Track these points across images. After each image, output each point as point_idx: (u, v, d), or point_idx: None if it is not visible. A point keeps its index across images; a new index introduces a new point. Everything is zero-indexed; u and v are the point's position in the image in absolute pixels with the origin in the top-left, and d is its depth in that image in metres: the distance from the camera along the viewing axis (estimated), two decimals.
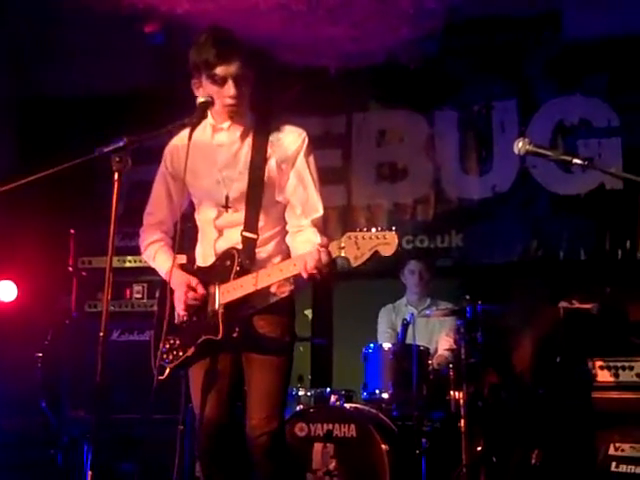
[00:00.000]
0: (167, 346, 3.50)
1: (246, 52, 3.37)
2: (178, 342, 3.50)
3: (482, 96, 6.77)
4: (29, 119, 7.48)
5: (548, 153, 3.06)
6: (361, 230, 3.11)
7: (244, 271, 3.37)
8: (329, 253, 3.12)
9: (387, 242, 3.07)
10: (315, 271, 3.12)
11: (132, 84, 7.14)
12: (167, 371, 3.50)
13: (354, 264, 3.10)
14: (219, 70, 3.31)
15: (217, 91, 3.36)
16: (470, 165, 6.76)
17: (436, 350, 5.84)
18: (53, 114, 7.42)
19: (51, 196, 5.86)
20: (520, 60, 6.66)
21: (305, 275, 3.16)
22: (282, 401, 3.47)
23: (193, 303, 3.45)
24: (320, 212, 3.48)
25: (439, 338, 5.95)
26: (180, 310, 3.48)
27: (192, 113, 3.33)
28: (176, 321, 3.51)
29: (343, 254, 3.10)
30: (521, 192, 6.56)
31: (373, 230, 3.10)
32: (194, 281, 3.45)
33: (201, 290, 3.44)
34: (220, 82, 3.34)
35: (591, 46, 6.40)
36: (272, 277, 3.30)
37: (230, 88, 3.34)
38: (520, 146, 3.02)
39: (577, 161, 3.01)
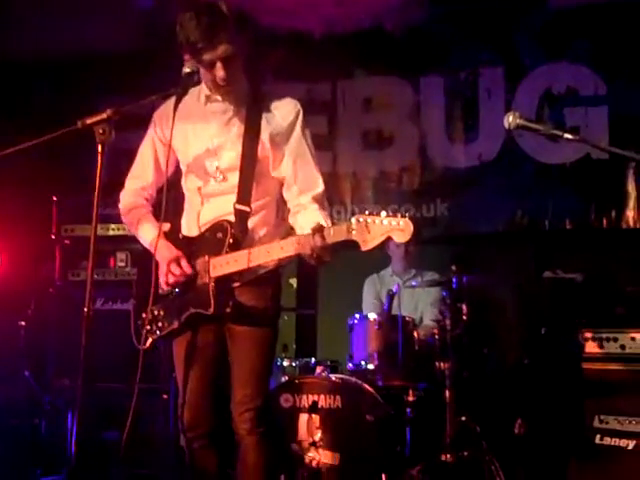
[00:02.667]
0: (150, 316, 3.45)
1: (233, 28, 3.22)
2: (162, 313, 3.46)
3: (468, 63, 6.68)
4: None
5: (539, 127, 3.01)
6: (371, 214, 2.99)
7: (237, 245, 3.32)
8: (323, 238, 3.03)
9: (401, 229, 2.96)
10: (317, 259, 3.09)
11: (116, 47, 7.03)
12: (149, 341, 3.47)
13: (364, 248, 3.01)
14: (206, 56, 3.22)
15: (206, 72, 3.29)
16: (456, 133, 6.69)
17: (421, 320, 5.85)
18: (23, 79, 7.27)
19: (32, 163, 5.75)
20: (507, 27, 6.56)
21: (313, 262, 3.11)
22: (266, 376, 3.46)
23: (177, 280, 3.40)
24: (321, 187, 3.43)
25: (424, 308, 5.95)
26: (164, 285, 3.43)
27: (177, 82, 3.28)
28: (160, 292, 3.47)
29: (353, 237, 3.00)
30: (507, 161, 6.51)
31: (383, 214, 2.98)
32: (180, 256, 3.40)
33: (187, 268, 3.39)
34: (209, 66, 3.26)
35: (577, 13, 6.33)
36: (271, 254, 3.22)
37: (219, 70, 3.26)
38: (510, 120, 2.97)
39: (568, 136, 2.98)
